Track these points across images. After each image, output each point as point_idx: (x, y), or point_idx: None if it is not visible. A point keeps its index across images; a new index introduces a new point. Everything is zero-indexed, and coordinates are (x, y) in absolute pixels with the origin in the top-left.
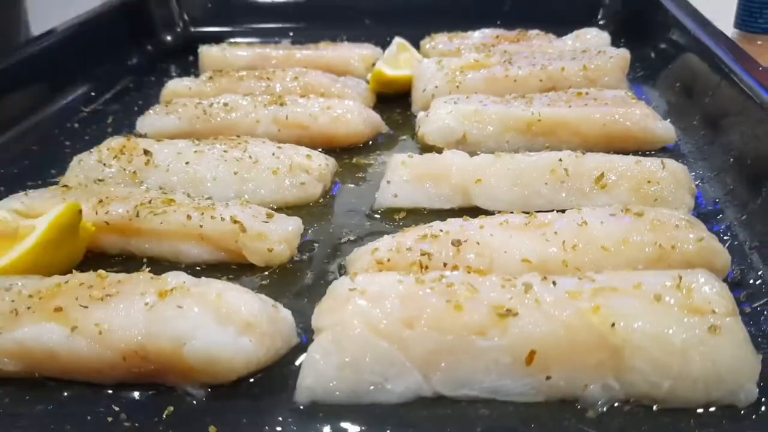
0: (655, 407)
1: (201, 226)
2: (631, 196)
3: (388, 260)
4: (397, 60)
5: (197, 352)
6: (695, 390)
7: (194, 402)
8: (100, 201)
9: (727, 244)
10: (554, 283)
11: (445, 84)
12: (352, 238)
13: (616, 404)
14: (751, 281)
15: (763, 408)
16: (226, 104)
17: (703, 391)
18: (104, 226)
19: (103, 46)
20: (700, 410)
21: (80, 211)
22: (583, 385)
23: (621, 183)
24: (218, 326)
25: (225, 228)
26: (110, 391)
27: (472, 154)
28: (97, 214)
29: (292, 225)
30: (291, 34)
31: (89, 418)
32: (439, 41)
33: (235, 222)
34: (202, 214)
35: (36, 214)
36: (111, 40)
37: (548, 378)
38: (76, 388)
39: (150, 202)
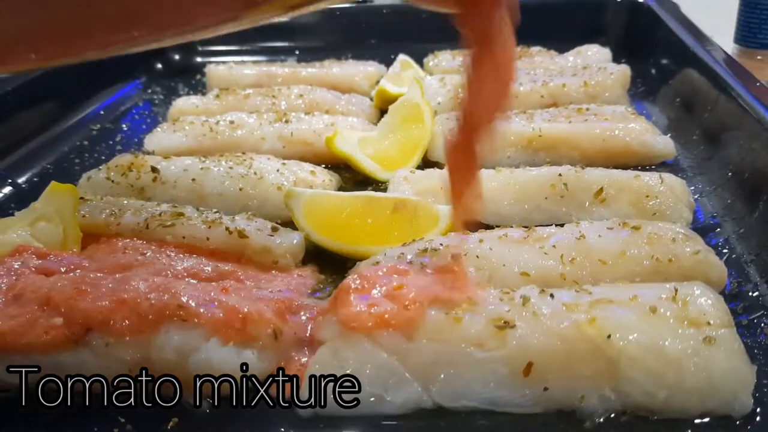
0: (651, 417)
1: (208, 239)
2: (630, 210)
3: None
4: (401, 77)
5: None
6: (690, 400)
7: (199, 413)
8: (113, 213)
9: (724, 257)
10: (552, 295)
11: (447, 100)
12: None
13: (612, 415)
14: (748, 293)
15: (758, 418)
16: (232, 122)
17: (698, 402)
18: (115, 237)
19: (113, 65)
20: (696, 420)
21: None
22: (580, 396)
23: (620, 197)
24: None
25: (231, 241)
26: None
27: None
28: (109, 225)
29: (297, 238)
30: (297, 52)
31: (96, 429)
32: (442, 58)
33: (242, 236)
34: (209, 227)
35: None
36: (120, 60)
37: (546, 389)
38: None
39: (160, 215)
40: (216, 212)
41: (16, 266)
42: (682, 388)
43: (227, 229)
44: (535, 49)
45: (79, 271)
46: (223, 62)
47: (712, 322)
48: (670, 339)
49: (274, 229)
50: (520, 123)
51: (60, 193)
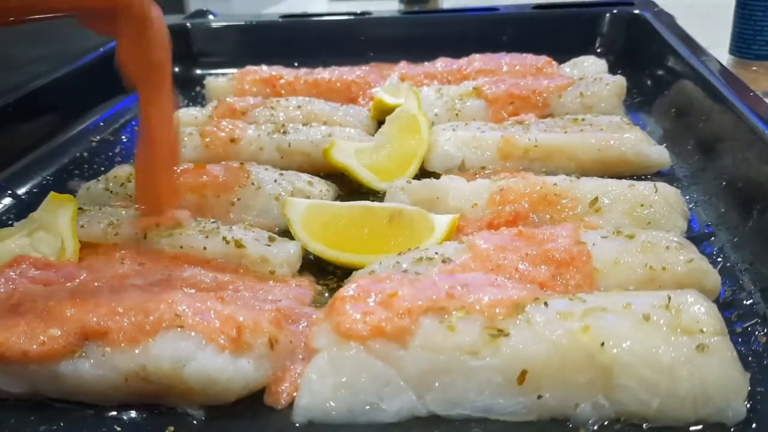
0: (645, 425)
1: (205, 249)
2: (625, 220)
3: None
4: (398, 88)
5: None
6: (684, 408)
7: (194, 422)
8: (111, 223)
9: (719, 266)
10: (546, 303)
11: (444, 111)
12: None
13: (606, 422)
14: (742, 301)
15: (754, 425)
16: (230, 132)
17: (691, 409)
18: (113, 248)
19: (113, 77)
20: (690, 428)
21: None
22: (573, 404)
23: (615, 206)
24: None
25: (229, 251)
26: (113, 412)
27: (470, 179)
28: (107, 235)
29: (294, 248)
30: (296, 64)
31: None
32: None
33: (239, 245)
34: (207, 237)
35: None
36: (121, 72)
37: (540, 397)
38: (80, 409)
39: (157, 225)
40: (213, 222)
41: (13, 276)
42: (675, 395)
43: (224, 238)
44: None
45: (77, 281)
46: (223, 74)
47: (705, 329)
48: (663, 347)
49: (272, 239)
50: (516, 133)
51: (59, 204)
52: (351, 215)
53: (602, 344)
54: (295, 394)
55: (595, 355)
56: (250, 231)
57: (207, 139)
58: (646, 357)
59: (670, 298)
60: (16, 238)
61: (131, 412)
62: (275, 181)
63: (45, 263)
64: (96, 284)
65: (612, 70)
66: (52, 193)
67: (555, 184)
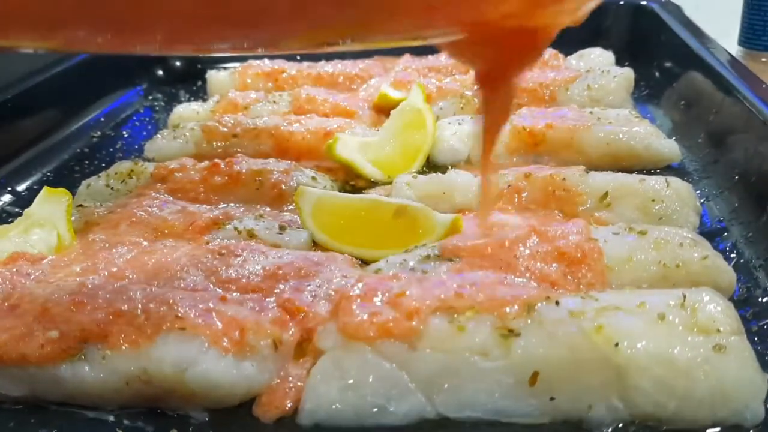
0: (660, 428)
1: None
2: (636, 215)
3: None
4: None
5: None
6: (701, 410)
7: (197, 424)
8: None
9: (732, 262)
10: (557, 302)
11: (449, 105)
12: None
13: (621, 425)
14: (758, 299)
15: None
16: (232, 127)
17: (708, 411)
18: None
19: (114, 72)
20: (707, 431)
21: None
22: (587, 406)
23: (625, 201)
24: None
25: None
26: (114, 415)
27: (477, 173)
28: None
29: (305, 236)
30: (298, 58)
31: None
32: None
33: (251, 235)
34: (219, 228)
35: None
36: (121, 66)
37: (552, 399)
38: (81, 412)
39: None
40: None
41: (11, 275)
42: (692, 397)
43: (236, 229)
44: None
45: (78, 279)
46: (224, 68)
47: (722, 329)
48: (679, 347)
49: (282, 228)
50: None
51: (53, 198)
52: (358, 208)
53: (616, 344)
54: (289, 404)
55: (609, 356)
56: (261, 221)
57: (209, 135)
58: (661, 357)
59: (685, 297)
60: (12, 235)
61: (133, 414)
62: (278, 177)
63: (42, 258)
64: (96, 284)
65: (619, 62)
66: (46, 188)
67: (564, 178)
